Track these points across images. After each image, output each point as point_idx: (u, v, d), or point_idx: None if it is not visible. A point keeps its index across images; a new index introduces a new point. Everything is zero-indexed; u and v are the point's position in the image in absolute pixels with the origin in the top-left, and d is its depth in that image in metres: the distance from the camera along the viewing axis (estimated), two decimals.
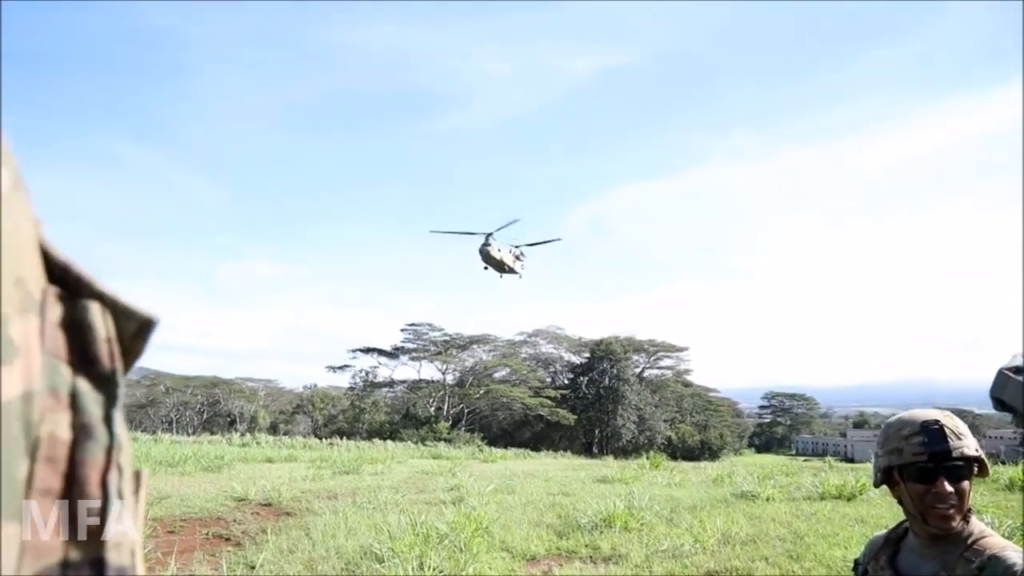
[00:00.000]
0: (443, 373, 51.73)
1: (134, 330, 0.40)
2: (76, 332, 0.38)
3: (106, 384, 0.38)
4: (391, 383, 52.76)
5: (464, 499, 12.50)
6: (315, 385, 53.92)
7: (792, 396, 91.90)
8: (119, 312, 0.39)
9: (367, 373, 52.17)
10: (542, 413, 48.72)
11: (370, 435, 43.39)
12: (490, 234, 43.96)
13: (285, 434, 42.88)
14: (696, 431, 52.19)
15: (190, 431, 46.03)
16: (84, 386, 0.37)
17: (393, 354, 51.99)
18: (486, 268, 46.01)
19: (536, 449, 42.80)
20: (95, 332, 0.38)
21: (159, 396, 50.88)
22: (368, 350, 52.32)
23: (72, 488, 0.36)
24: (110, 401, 0.38)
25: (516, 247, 46.13)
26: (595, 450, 48.90)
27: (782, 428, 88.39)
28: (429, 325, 53.00)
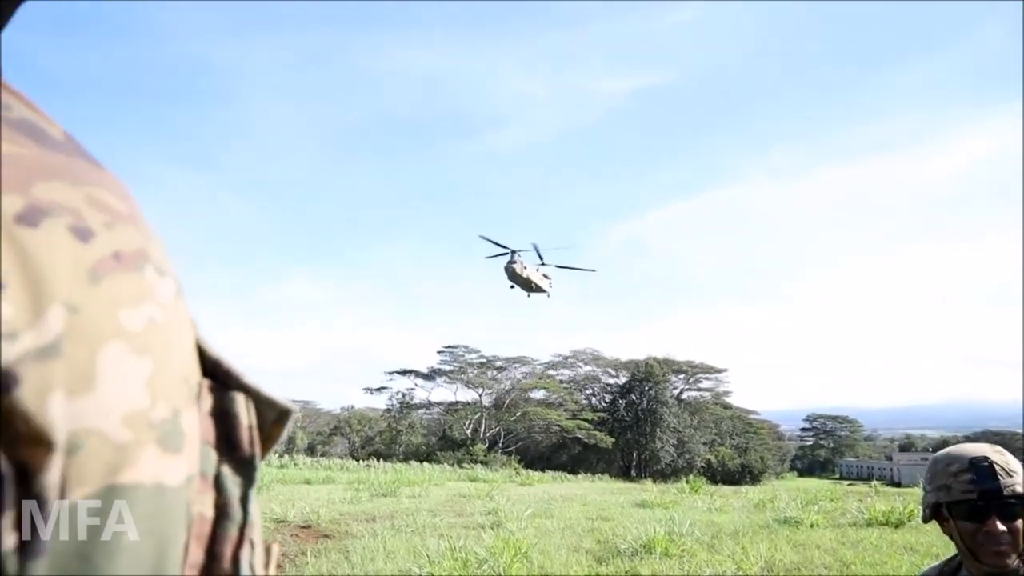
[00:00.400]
0: (480, 395, 51.61)
1: (274, 418, 0.44)
2: (223, 420, 0.41)
3: (245, 467, 0.41)
4: (428, 405, 52.81)
5: (502, 523, 12.41)
6: (352, 406, 54.15)
7: (835, 418, 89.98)
8: (261, 402, 0.43)
9: (403, 395, 52.30)
10: (579, 436, 48.18)
11: (407, 457, 43.38)
12: (515, 251, 43.34)
13: (323, 455, 43.05)
14: (736, 454, 51.16)
15: None
16: (226, 469, 0.41)
17: (430, 376, 52.06)
18: (512, 287, 45.21)
19: (574, 472, 42.32)
20: (239, 420, 0.42)
21: None
22: (405, 372, 52.47)
23: (210, 563, 0.39)
24: (247, 483, 0.41)
25: (543, 265, 45.44)
26: (633, 473, 48.09)
27: (825, 451, 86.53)
28: (465, 347, 52.98)
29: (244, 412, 0.42)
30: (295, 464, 32.89)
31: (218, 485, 0.40)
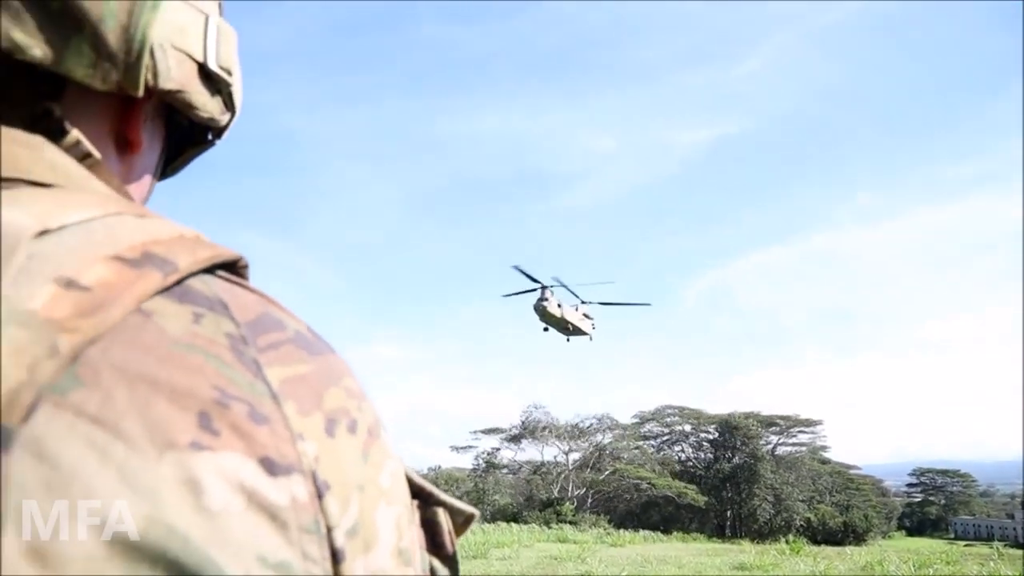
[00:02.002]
0: (566, 454, 50.81)
1: (461, 521, 0.55)
2: (430, 528, 0.52)
3: (450, 562, 0.53)
4: (513, 464, 52.26)
5: None
6: (439, 466, 54.11)
7: (945, 472, 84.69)
8: (453, 511, 0.54)
9: (489, 454, 51.96)
10: (670, 494, 46.60)
11: (494, 517, 42.89)
12: (546, 287, 38.60)
13: None
14: (838, 512, 48.47)
15: None
16: (436, 563, 0.52)
17: (514, 435, 51.62)
18: (546, 329, 41.22)
19: (666, 531, 40.68)
20: (442, 527, 0.53)
21: None
22: (489, 431, 52.20)
23: None
24: (454, 574, 0.53)
25: (583, 303, 41.48)
26: (728, 532, 45.95)
27: (936, 508, 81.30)
28: (547, 410, 52.30)
29: (444, 520, 0.53)
30: None
31: None
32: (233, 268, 0.47)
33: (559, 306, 39.33)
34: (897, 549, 27.79)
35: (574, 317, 40.61)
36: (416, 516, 0.51)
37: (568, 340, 43.54)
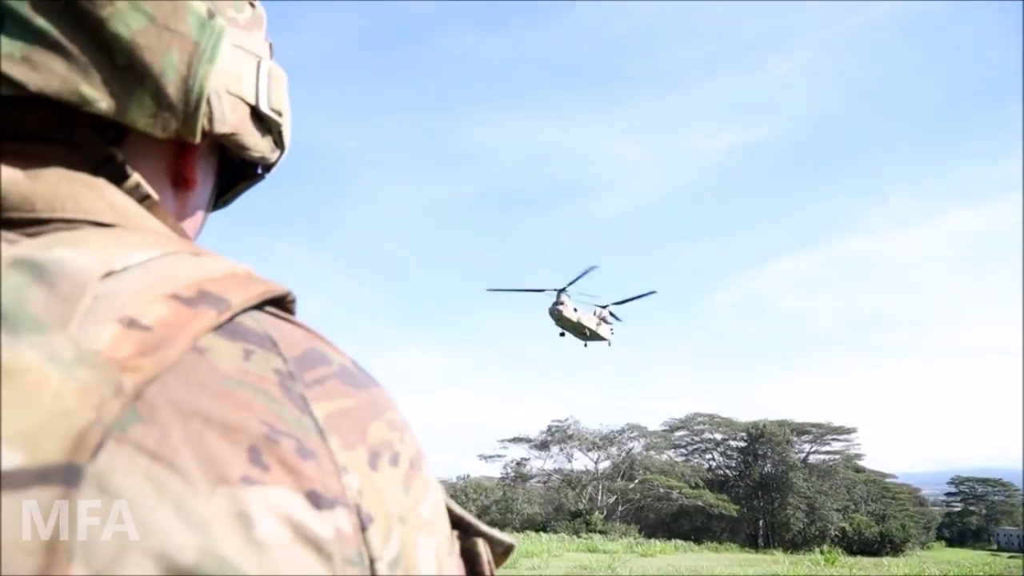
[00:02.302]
0: (595, 463, 50.29)
1: (501, 551, 0.57)
2: (470, 558, 0.54)
3: None
4: (542, 474, 51.81)
5: None
6: (468, 475, 53.83)
7: (985, 481, 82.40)
8: (492, 541, 0.55)
9: (518, 464, 51.57)
10: (701, 504, 45.80)
11: (523, 526, 42.49)
12: (562, 290, 36.66)
13: None
14: (874, 522, 47.20)
15: None
16: None
17: (543, 444, 51.19)
18: (563, 334, 39.33)
19: (698, 541, 39.93)
20: (481, 558, 0.54)
21: None
22: (518, 440, 51.84)
23: None
24: None
25: (602, 307, 39.89)
26: (761, 542, 44.96)
27: (976, 518, 79.10)
28: (576, 418, 51.81)
29: (484, 551, 0.54)
30: None
31: None
32: (282, 303, 0.49)
33: (575, 310, 37.66)
34: (937, 560, 26.99)
35: (591, 322, 39.06)
36: (456, 546, 0.52)
37: (586, 345, 41.98)
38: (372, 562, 0.41)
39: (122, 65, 0.48)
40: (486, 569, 0.54)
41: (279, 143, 0.62)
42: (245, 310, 0.44)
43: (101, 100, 0.47)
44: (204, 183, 0.62)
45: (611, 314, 41.36)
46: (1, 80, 0.45)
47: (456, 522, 0.53)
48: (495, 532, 0.55)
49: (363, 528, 0.41)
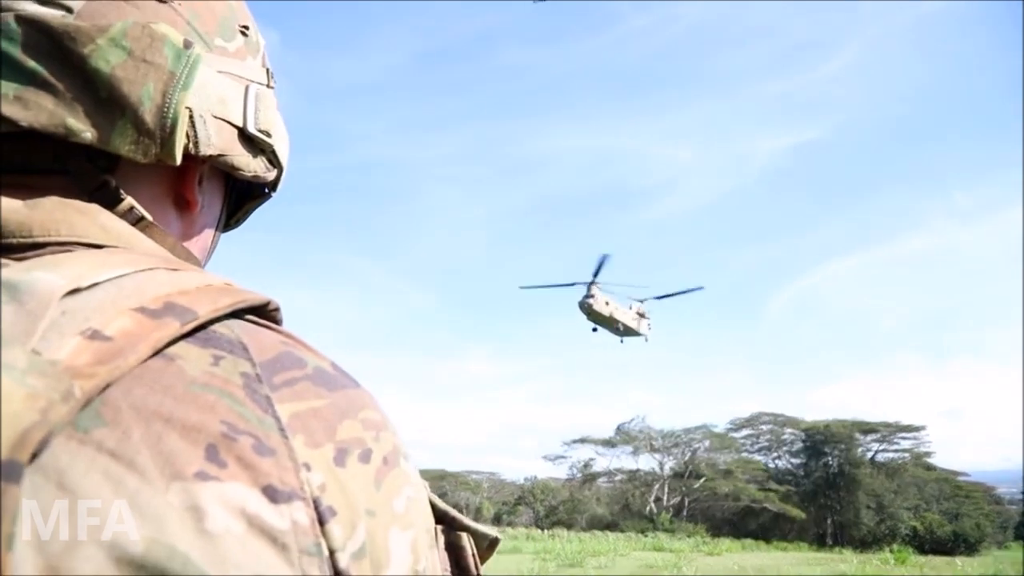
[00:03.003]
0: (660, 463, 50.46)
1: (486, 545, 0.59)
2: (454, 552, 0.57)
3: None
4: (608, 474, 52.17)
5: None
6: (535, 477, 54.42)
7: None
8: (477, 535, 0.58)
9: (584, 465, 51.99)
10: (768, 503, 45.57)
11: (590, 526, 42.95)
12: (592, 282, 34.00)
13: (508, 525, 43.47)
14: (946, 520, 46.26)
15: None
16: None
17: (608, 444, 51.54)
18: (595, 330, 36.90)
19: (766, 540, 39.79)
20: (466, 551, 0.57)
21: None
22: (583, 441, 52.26)
23: None
24: None
25: (640, 302, 37.42)
26: (829, 542, 44.27)
27: None
28: (642, 417, 52.04)
29: (468, 544, 0.57)
30: None
31: None
32: (263, 312, 0.53)
33: (607, 304, 35.06)
34: (1013, 560, 26.56)
35: (626, 316, 36.52)
36: (441, 540, 0.55)
37: (622, 341, 39.57)
38: (332, 552, 0.43)
39: (104, 98, 0.52)
40: (470, 562, 0.56)
41: (274, 162, 0.65)
42: (219, 319, 0.47)
43: (86, 131, 0.51)
44: (210, 204, 0.67)
45: (640, 314, 38.63)
46: None
47: (440, 517, 0.56)
48: (479, 526, 0.59)
49: (323, 521, 0.43)
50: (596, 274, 34.71)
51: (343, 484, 0.45)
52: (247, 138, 0.61)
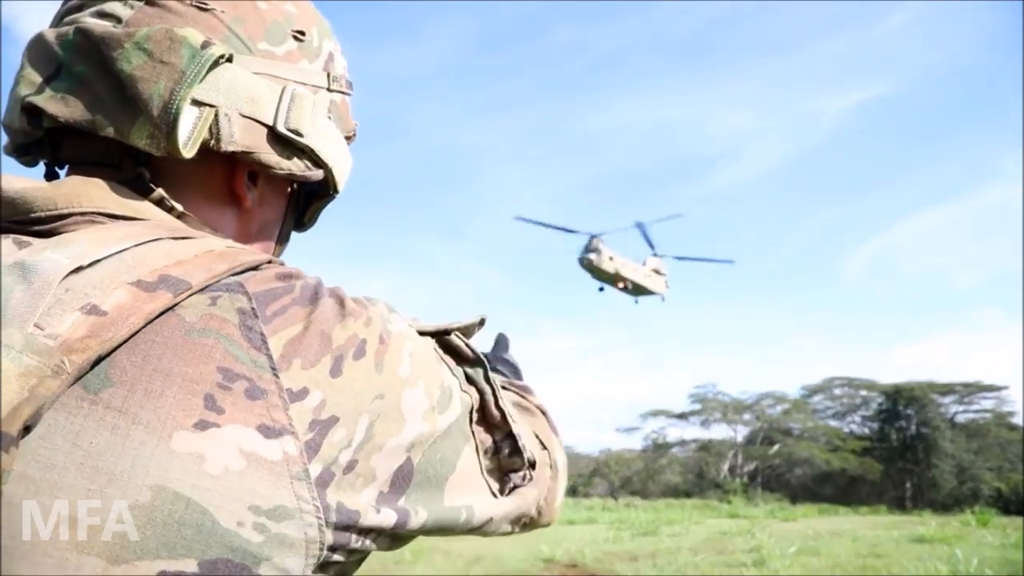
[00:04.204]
0: (734, 430, 50.27)
1: (475, 328, 0.70)
2: (451, 350, 0.66)
3: (477, 363, 0.66)
4: (681, 443, 52.22)
5: (765, 561, 12.29)
6: (609, 449, 54.91)
7: None
8: (464, 329, 0.68)
9: (658, 435, 52.17)
10: (844, 467, 44.96)
11: (665, 496, 43.18)
12: (595, 236, 30.50)
13: (584, 496, 43.98)
14: None
15: None
16: (469, 370, 0.66)
17: (682, 415, 51.54)
18: (602, 289, 33.39)
19: (846, 504, 39.30)
20: (459, 345, 0.66)
21: None
22: (656, 413, 52.37)
23: (483, 412, 0.66)
24: (485, 371, 0.66)
25: (657, 256, 33.92)
26: (908, 504, 43.39)
27: None
28: (713, 386, 51.81)
29: (458, 340, 0.65)
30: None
31: (470, 380, 0.64)
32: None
33: (611, 259, 31.29)
34: None
35: (636, 273, 32.82)
36: (440, 349, 0.63)
37: (636, 302, 36.13)
38: (334, 459, 0.51)
39: (129, 96, 0.57)
40: (467, 351, 0.65)
41: (319, 163, 0.68)
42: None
43: (108, 126, 0.57)
44: (272, 202, 0.71)
45: (655, 271, 34.55)
46: (43, 114, 0.58)
47: (432, 334, 0.64)
48: (460, 323, 0.67)
49: (324, 431, 0.50)
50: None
51: (341, 392, 0.52)
52: (277, 137, 0.64)
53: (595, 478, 51.34)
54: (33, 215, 0.55)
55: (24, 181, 0.57)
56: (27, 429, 0.43)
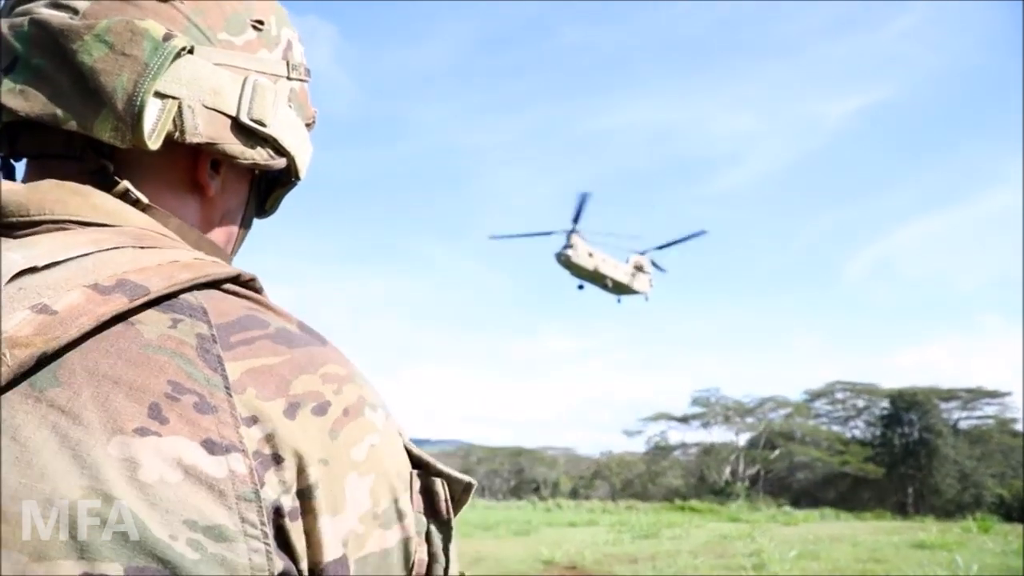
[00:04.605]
0: (736, 434, 50.19)
1: (460, 490, 0.63)
2: (428, 496, 0.60)
3: (445, 527, 0.61)
4: (684, 447, 52.15)
5: (765, 565, 12.35)
6: (611, 451, 54.81)
7: None
8: (451, 480, 0.62)
9: (660, 438, 52.08)
10: (846, 471, 44.87)
11: (666, 498, 43.12)
12: (571, 231, 28.95)
13: (585, 498, 43.93)
14: None
15: (499, 497, 48.85)
16: (433, 528, 0.60)
17: (683, 419, 51.45)
18: (581, 287, 32.08)
19: (848, 509, 39.18)
20: (439, 495, 0.61)
21: (471, 465, 54.49)
22: (658, 417, 52.27)
23: None
24: (447, 538, 0.60)
25: (640, 254, 32.61)
26: (910, 510, 42.95)
27: None
28: (716, 389, 51.73)
29: (441, 489, 0.61)
30: (559, 507, 34.01)
31: (428, 539, 0.60)
32: (239, 283, 0.58)
33: (590, 255, 29.71)
34: None
35: (616, 271, 31.21)
36: (416, 484, 0.60)
37: (619, 301, 34.59)
38: (277, 498, 0.48)
39: (91, 89, 0.57)
40: (442, 506, 0.60)
41: (281, 151, 0.69)
42: (187, 289, 0.53)
43: (71, 120, 0.57)
44: (233, 190, 0.72)
45: (653, 263, 33.72)
46: (2, 108, 0.57)
47: (416, 463, 0.61)
48: (453, 472, 0.63)
49: (266, 467, 0.48)
50: (576, 219, 29.55)
51: (292, 434, 0.50)
52: (241, 127, 0.65)
53: (596, 480, 51.27)
54: (5, 220, 0.55)
55: None
56: None
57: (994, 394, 49.80)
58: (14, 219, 0.55)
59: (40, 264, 0.49)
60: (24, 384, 0.45)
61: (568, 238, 29.18)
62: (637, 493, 46.69)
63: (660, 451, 51.29)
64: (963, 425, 49.41)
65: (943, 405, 48.45)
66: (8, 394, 0.45)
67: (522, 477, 54.51)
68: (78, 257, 0.51)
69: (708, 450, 49.90)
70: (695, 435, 51.41)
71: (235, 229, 0.76)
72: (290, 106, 0.71)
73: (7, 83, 0.58)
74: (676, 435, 52.02)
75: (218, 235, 0.73)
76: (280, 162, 0.70)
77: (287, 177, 0.77)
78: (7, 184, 0.57)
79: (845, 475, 45.46)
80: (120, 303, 0.48)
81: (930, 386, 49.05)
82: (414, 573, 0.59)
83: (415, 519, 0.59)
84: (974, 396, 49.60)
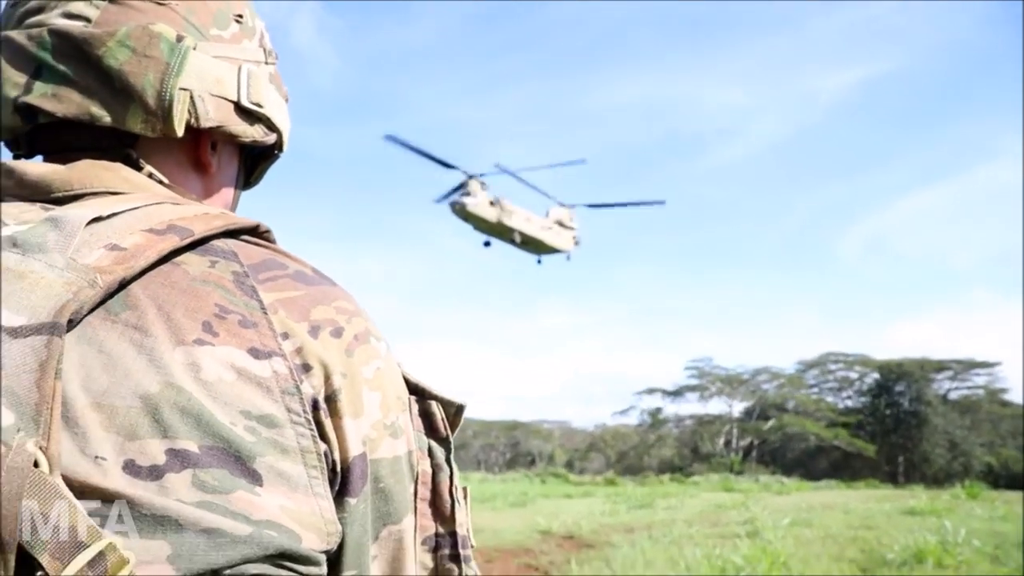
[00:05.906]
0: (729, 406, 50.56)
1: (454, 412, 0.71)
2: (426, 417, 0.70)
3: (445, 442, 0.70)
4: (678, 418, 52.46)
5: (759, 532, 12.47)
6: (605, 424, 55.16)
7: None
8: (445, 403, 0.71)
9: (654, 411, 52.31)
10: (838, 443, 45.27)
11: (661, 470, 43.50)
12: (472, 176, 24.13)
13: (580, 471, 44.30)
14: (1022, 456, 45.25)
15: (496, 470, 49.21)
16: (434, 444, 0.69)
17: (677, 392, 51.71)
18: (488, 244, 27.57)
19: (841, 479, 39.60)
20: (435, 415, 0.70)
21: (468, 439, 54.98)
22: (651, 391, 52.52)
23: (434, 496, 0.69)
24: (448, 451, 0.70)
25: (564, 207, 28.10)
26: (901, 479, 43.38)
27: None
28: (709, 359, 52.03)
29: (437, 411, 0.70)
30: (555, 477, 34.31)
31: (430, 454, 0.69)
32: (257, 234, 0.68)
33: (492, 204, 24.83)
34: None
35: (531, 225, 26.64)
36: (414, 408, 0.69)
37: (539, 262, 30.30)
38: (313, 394, 0.57)
39: (119, 88, 0.65)
40: (440, 425, 0.70)
41: (272, 127, 0.78)
42: (214, 236, 0.62)
43: (105, 116, 0.66)
44: (228, 165, 0.82)
45: (559, 222, 28.65)
46: (39, 111, 0.65)
47: (413, 389, 0.69)
48: (446, 394, 0.71)
49: (300, 372, 0.57)
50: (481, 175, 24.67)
51: (317, 351, 0.58)
52: (242, 110, 0.73)
53: (591, 453, 51.69)
54: (53, 195, 0.64)
55: (43, 166, 0.66)
56: (70, 323, 0.51)
57: (984, 364, 50.08)
58: (59, 194, 0.64)
59: (104, 214, 0.58)
60: (100, 309, 0.54)
61: (465, 185, 24.36)
62: (632, 465, 47.07)
63: (654, 424, 51.59)
64: (953, 395, 49.79)
65: (935, 376, 48.80)
66: (89, 317, 0.53)
67: (517, 450, 54.93)
68: (131, 210, 0.60)
69: (702, 421, 50.26)
70: (690, 407, 51.76)
71: (229, 199, 0.85)
72: (272, 87, 0.80)
73: (39, 87, 0.65)
74: (670, 408, 52.28)
75: (216, 203, 0.82)
76: (272, 138, 0.79)
77: (271, 151, 0.86)
78: (50, 165, 0.66)
79: (837, 446, 45.78)
80: (174, 241, 0.57)
81: (922, 357, 49.36)
82: (419, 482, 0.67)
83: (416, 436, 0.67)
84: (965, 367, 49.90)
